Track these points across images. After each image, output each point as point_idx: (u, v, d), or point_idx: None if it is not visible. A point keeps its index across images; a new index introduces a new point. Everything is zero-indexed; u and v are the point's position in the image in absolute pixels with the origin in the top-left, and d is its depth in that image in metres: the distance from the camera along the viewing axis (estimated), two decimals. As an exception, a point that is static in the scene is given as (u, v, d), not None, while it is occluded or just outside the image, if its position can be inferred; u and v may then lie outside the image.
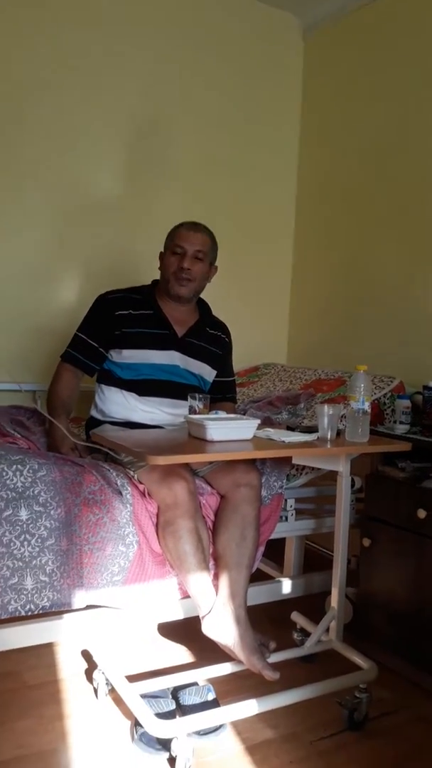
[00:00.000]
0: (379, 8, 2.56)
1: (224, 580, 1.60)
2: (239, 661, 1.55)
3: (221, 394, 2.07)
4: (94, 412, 1.95)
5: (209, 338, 2.03)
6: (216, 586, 1.62)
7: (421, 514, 1.68)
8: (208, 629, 1.56)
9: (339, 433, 1.66)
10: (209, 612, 1.56)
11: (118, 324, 1.90)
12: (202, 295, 2.04)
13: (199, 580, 1.57)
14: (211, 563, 1.66)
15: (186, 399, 1.76)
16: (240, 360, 2.26)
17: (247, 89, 2.85)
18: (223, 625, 1.54)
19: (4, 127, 2.35)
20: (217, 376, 2.06)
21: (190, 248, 1.89)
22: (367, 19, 2.63)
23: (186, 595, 1.66)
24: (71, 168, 2.49)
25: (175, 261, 1.91)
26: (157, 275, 2.02)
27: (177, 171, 2.70)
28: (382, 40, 2.56)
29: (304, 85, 2.99)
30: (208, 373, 2.02)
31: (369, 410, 1.63)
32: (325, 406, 1.62)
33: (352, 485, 1.94)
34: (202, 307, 2.07)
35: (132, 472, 1.68)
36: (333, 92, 2.83)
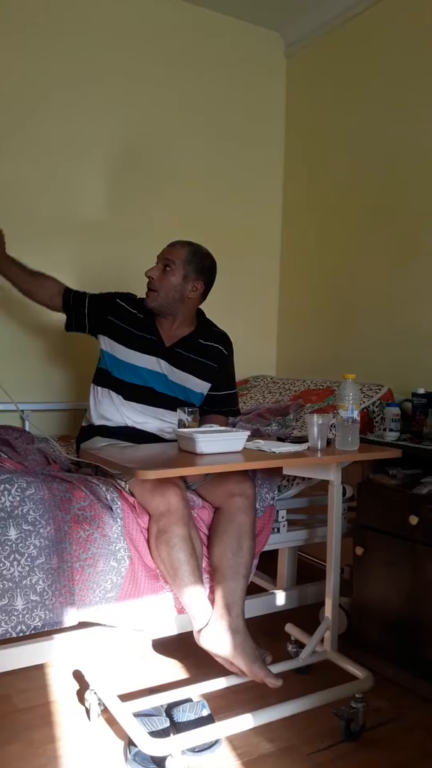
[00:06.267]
0: (360, 24, 2.61)
1: (221, 591, 1.59)
2: (236, 674, 1.53)
3: (217, 408, 2.01)
4: (88, 415, 1.95)
5: (201, 350, 1.97)
6: (212, 600, 1.60)
7: (413, 520, 1.69)
8: (206, 641, 1.54)
9: (329, 442, 1.67)
10: (206, 625, 1.55)
11: (113, 310, 1.96)
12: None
13: (194, 591, 1.56)
14: (206, 577, 1.65)
15: (168, 410, 1.75)
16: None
17: (231, 107, 2.88)
18: (220, 637, 1.52)
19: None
20: (211, 390, 1.99)
21: (160, 258, 1.94)
22: (348, 35, 2.68)
23: (181, 611, 1.64)
24: (61, 183, 2.51)
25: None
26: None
27: (165, 188, 2.72)
28: (363, 55, 2.60)
29: (287, 102, 3.03)
30: (196, 385, 1.95)
31: (358, 419, 1.63)
32: (315, 416, 1.63)
33: (344, 494, 1.94)
34: (201, 319, 2.04)
35: (123, 483, 1.67)
36: (316, 108, 2.86)
